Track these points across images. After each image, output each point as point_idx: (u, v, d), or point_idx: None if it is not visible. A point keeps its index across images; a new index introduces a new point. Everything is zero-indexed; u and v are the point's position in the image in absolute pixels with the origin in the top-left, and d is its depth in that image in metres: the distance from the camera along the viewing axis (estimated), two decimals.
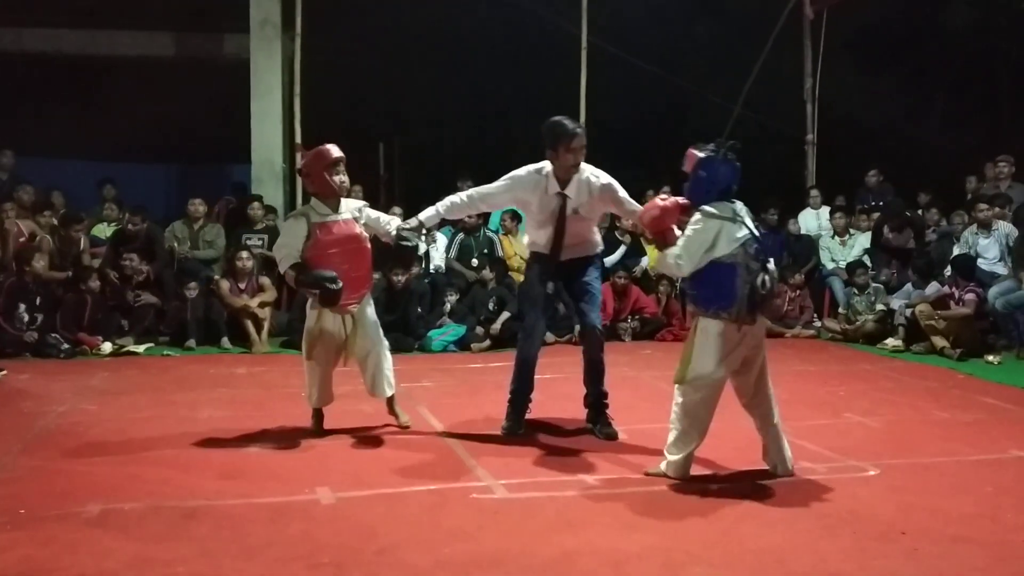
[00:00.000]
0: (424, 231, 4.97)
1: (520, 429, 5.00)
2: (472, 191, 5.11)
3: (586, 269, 4.99)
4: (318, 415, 5.04)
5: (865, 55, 13.45)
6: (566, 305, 7.72)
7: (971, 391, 6.52)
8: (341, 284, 4.62)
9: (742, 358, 4.08)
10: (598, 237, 5.21)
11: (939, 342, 8.23)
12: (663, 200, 4.25)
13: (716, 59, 13.47)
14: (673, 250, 4.07)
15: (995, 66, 14.67)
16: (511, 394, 5.06)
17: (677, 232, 4.13)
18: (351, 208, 4.94)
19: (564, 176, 4.83)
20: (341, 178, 4.83)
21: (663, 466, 4.19)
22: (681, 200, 4.21)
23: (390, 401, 5.13)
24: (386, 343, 5.12)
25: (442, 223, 9.00)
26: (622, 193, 4.97)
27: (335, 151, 4.83)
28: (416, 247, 4.92)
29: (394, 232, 4.85)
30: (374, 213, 5.09)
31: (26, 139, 10.58)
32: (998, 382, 6.83)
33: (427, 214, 4.94)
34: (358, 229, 4.88)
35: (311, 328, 4.87)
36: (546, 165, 4.87)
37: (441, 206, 5.00)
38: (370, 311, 5.03)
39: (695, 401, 4.08)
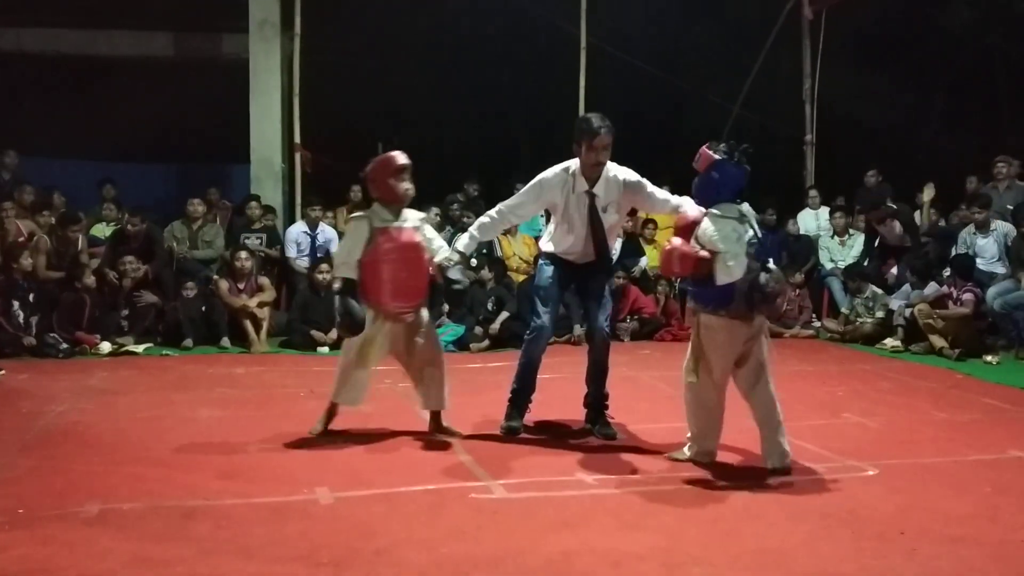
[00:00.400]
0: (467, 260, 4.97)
1: (519, 429, 4.99)
2: (501, 206, 5.06)
3: (599, 274, 4.99)
4: (331, 413, 4.94)
5: (864, 55, 13.41)
6: (566, 306, 7.75)
7: (970, 391, 6.53)
8: (362, 326, 4.65)
9: (740, 351, 4.17)
10: (615, 244, 5.21)
11: (938, 342, 8.23)
12: (669, 246, 4.12)
13: (715, 60, 13.45)
14: (720, 262, 3.99)
15: (995, 66, 14.65)
16: (512, 393, 5.06)
17: (703, 252, 4.05)
18: (413, 218, 4.93)
19: (590, 175, 4.80)
20: (406, 185, 4.81)
21: (687, 451, 4.33)
22: (680, 225, 4.15)
23: (437, 416, 5.01)
24: (443, 354, 5.07)
25: (443, 223, 9.10)
26: (651, 188, 4.93)
27: (402, 158, 4.82)
28: (466, 289, 4.90)
29: (437, 263, 4.85)
30: (431, 232, 5.06)
31: (25, 139, 10.56)
32: (996, 382, 6.84)
33: (464, 242, 4.94)
34: (418, 238, 4.87)
35: (369, 334, 4.79)
36: (573, 163, 4.85)
37: (475, 230, 5.00)
38: (429, 323, 5.00)
39: (708, 389, 4.17)
